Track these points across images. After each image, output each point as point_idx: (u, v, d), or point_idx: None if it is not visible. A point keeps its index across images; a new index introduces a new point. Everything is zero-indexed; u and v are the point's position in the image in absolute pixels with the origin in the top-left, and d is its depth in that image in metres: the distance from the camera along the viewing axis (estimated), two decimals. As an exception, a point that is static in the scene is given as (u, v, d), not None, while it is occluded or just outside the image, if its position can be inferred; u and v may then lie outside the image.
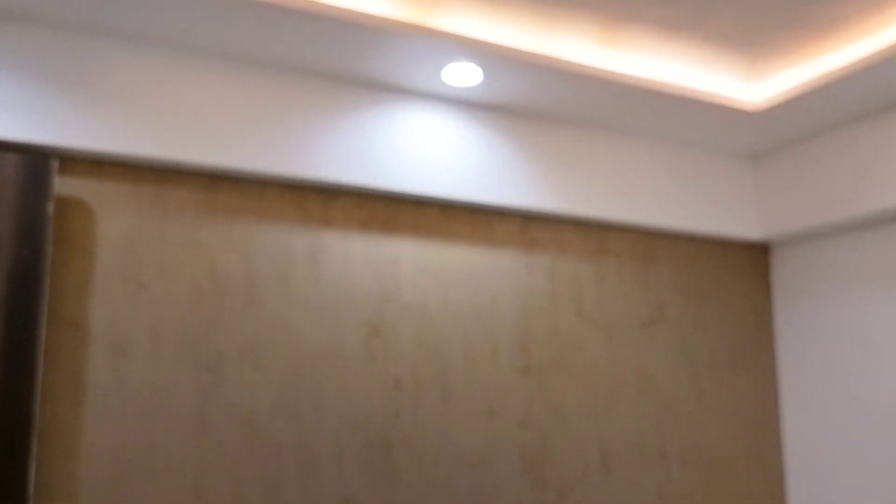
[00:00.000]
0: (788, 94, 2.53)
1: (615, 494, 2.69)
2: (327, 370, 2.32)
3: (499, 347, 2.60)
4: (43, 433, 1.98)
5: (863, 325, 2.78)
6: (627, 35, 2.32)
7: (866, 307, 2.78)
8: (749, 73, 2.56)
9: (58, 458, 1.98)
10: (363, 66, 2.31)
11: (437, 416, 2.46)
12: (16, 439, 1.87)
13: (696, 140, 2.92)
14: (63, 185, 2.09)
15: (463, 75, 2.35)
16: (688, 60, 2.46)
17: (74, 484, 1.99)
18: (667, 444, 2.82)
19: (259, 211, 2.31)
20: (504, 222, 2.68)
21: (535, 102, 2.57)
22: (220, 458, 2.15)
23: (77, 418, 2.02)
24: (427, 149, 2.49)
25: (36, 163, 1.99)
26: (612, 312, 2.81)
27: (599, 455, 2.69)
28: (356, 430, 2.33)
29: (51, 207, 1.99)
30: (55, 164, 2.01)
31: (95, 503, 1.99)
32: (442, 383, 2.49)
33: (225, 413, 2.17)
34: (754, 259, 3.17)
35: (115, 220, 2.13)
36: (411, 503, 2.37)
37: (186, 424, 2.12)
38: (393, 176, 2.42)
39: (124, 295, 2.11)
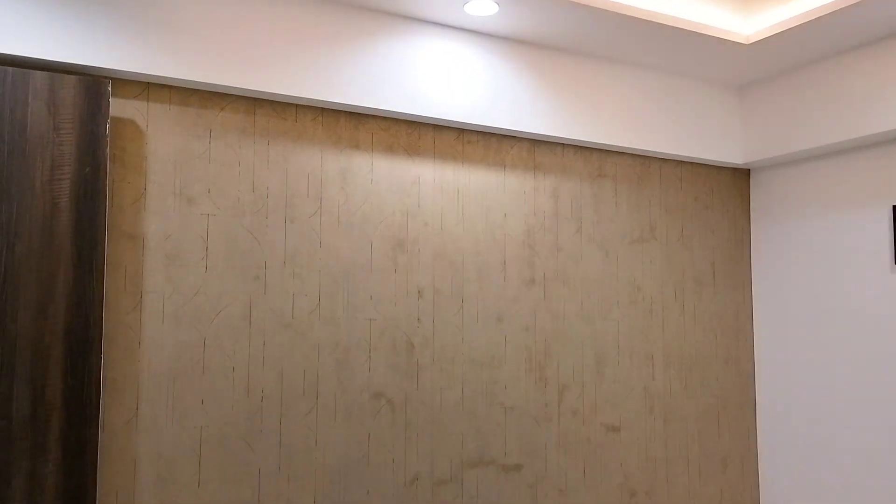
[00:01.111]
0: (778, 27, 2.75)
1: (607, 391, 3.02)
2: (357, 280, 2.56)
3: (508, 261, 2.85)
4: (108, 334, 2.19)
5: (831, 244, 3.10)
6: (636, -29, 2.50)
7: (834, 228, 3.09)
8: (742, 7, 2.76)
9: (122, 356, 2.21)
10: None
11: (454, 322, 2.73)
12: (87, 339, 2.08)
13: (689, 71, 3.14)
14: (116, 106, 2.24)
15: (481, 6, 2.52)
16: (688, -4, 2.65)
17: (137, 378, 2.22)
18: (653, 348, 3.14)
19: (295, 133, 2.49)
20: (514, 146, 2.89)
21: (545, 34, 2.75)
22: (265, 355, 2.40)
23: (137, 320, 2.23)
24: (446, 77, 2.67)
25: (92, 85, 2.14)
26: (607, 230, 3.08)
27: (594, 357, 3.00)
28: (383, 333, 2.59)
29: (107, 127, 2.15)
30: (109, 87, 2.16)
31: (156, 396, 2.24)
32: (458, 292, 2.75)
33: (269, 317, 2.41)
34: (736, 182, 3.45)
35: (163, 140, 2.30)
36: (431, 397, 2.66)
37: (235, 326, 2.36)
38: (415, 102, 2.61)
39: (175, 209, 2.30)
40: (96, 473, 2.06)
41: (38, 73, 2.07)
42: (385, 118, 2.64)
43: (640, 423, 3.08)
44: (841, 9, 2.54)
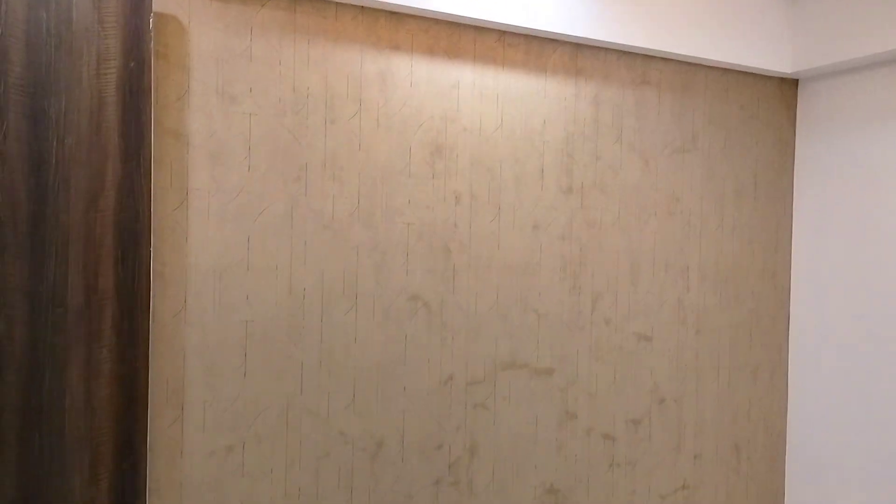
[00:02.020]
0: (839, -74, 2.61)
1: (641, 301, 3.04)
2: (396, 184, 2.58)
3: (546, 168, 2.84)
4: (156, 229, 2.25)
5: (878, 160, 3.02)
6: None
7: (884, 143, 3.00)
8: None
9: (170, 251, 2.27)
10: None
11: (490, 228, 2.75)
12: (136, 232, 2.15)
13: (741, -27, 3.01)
14: (158, 1, 2.23)
15: None
16: None
17: (185, 273, 2.29)
18: (689, 259, 3.14)
19: (335, 33, 2.46)
20: (556, 50, 2.83)
21: (593, -70, 2.64)
22: (306, 256, 2.45)
23: (184, 217, 2.29)
24: (489, -25, 2.60)
25: (134, -21, 2.13)
26: (648, 139, 3.04)
27: (629, 267, 3.02)
28: (421, 237, 2.63)
29: (150, 21, 2.15)
30: (151, -19, 2.15)
31: (203, 290, 2.31)
32: (495, 199, 2.75)
33: (310, 218, 2.45)
34: (783, 92, 3.36)
35: (205, 37, 2.30)
36: (466, 301, 2.71)
37: (278, 226, 2.41)
38: (456, 1, 2.55)
39: (218, 108, 2.32)
40: (148, 361, 2.16)
41: (81, -36, 2.06)
42: (425, 19, 2.60)
43: (672, 334, 3.11)
44: None
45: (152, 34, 2.15)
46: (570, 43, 2.85)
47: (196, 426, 2.31)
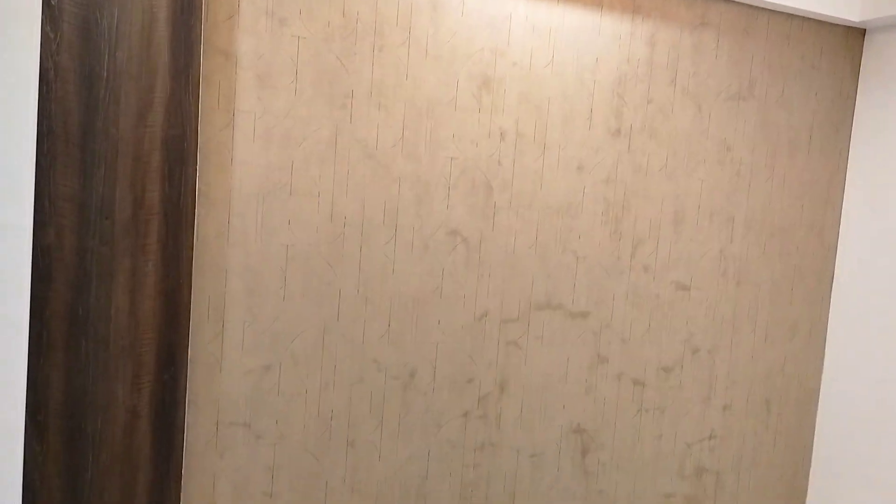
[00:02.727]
0: None
1: (682, 250, 3.00)
2: (441, 116, 2.55)
3: (594, 108, 2.78)
4: (202, 148, 2.27)
5: (944, 113, 2.89)
6: None
7: (952, 95, 2.87)
8: None
9: (215, 171, 2.29)
10: None
11: (534, 167, 2.72)
12: (183, 150, 2.16)
13: (815, -89, 2.85)
14: (211, -85, 2.20)
15: None
16: None
17: (229, 194, 2.31)
18: (735, 210, 3.08)
19: (388, -44, 2.41)
20: (613, -14, 2.74)
21: None
22: (349, 183, 2.45)
23: (230, 138, 2.30)
24: None
25: None
26: (703, 84, 2.94)
27: (673, 215, 2.97)
28: (464, 172, 2.61)
29: (203, -63, 2.12)
30: None
31: (245, 212, 2.34)
32: (540, 137, 2.71)
33: (354, 146, 2.44)
34: (848, 42, 3.21)
35: (257, -45, 2.26)
36: (505, 239, 2.70)
37: (321, 152, 2.41)
38: (514, -71, 2.47)
39: (268, 29, 2.30)
40: (191, 278, 2.21)
41: None
42: (481, -54, 2.52)
43: (711, 284, 3.07)
44: None
45: (204, -51, 2.12)
46: (629, -22, 2.75)
47: (235, 344, 2.37)
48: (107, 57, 2.05)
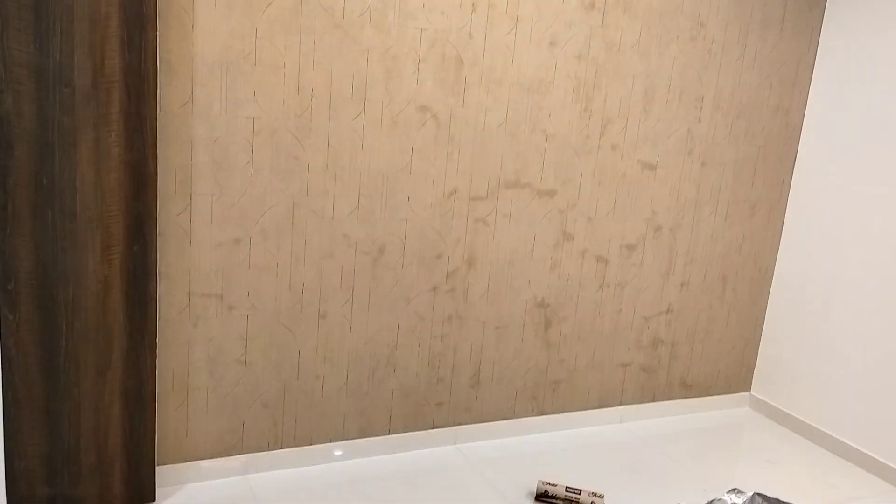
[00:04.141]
0: None
1: (650, 129, 3.02)
2: (411, -16, 2.46)
3: (569, -19, 2.70)
4: (161, 14, 2.17)
5: (918, -8, 2.87)
6: None
7: (928, -26, 2.84)
8: None
9: (176, 38, 2.21)
10: None
11: (505, 41, 2.67)
12: (142, 13, 2.07)
13: None
14: None
15: None
16: None
17: (191, 62, 2.24)
18: (704, 90, 3.08)
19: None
20: None
21: None
22: (315, 55, 2.39)
23: (189, 4, 2.20)
24: None
25: None
26: (680, -43, 2.87)
27: (643, 93, 2.96)
28: (433, 45, 2.55)
29: None
30: None
31: (209, 82, 2.27)
32: (513, 10, 2.65)
33: (320, 14, 2.36)
34: (831, -84, 3.12)
35: None
36: (475, 115, 2.69)
37: (286, 20, 2.33)
38: None
39: None
40: (156, 149, 2.18)
41: None
42: None
43: (676, 164, 3.12)
44: None
45: None
46: None
47: (204, 218, 2.37)
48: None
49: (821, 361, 3.27)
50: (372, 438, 2.82)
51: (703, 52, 3.03)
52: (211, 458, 2.57)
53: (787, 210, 3.42)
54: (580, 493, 2.61)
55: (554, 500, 2.62)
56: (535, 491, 2.68)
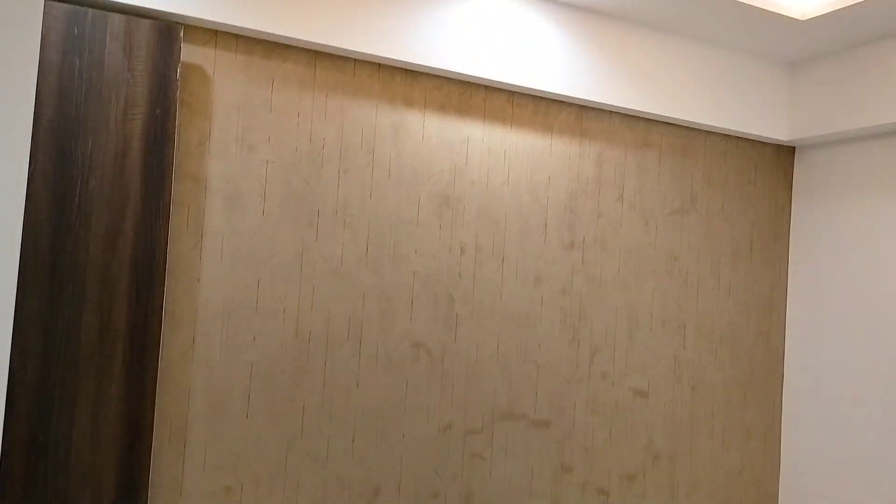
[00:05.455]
0: (833, 5, 2.74)
1: (637, 356, 3.10)
2: (404, 233, 2.65)
3: (549, 223, 2.92)
4: (170, 269, 2.31)
5: (871, 227, 3.12)
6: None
7: (877, 211, 3.10)
8: (801, -15, 2.76)
9: (182, 291, 2.33)
10: (452, -43, 2.51)
11: (493, 279, 2.82)
12: (152, 272, 2.21)
13: (740, 45, 3.15)
14: (186, 52, 2.33)
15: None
16: (747, -31, 2.66)
17: (195, 313, 2.34)
18: (686, 317, 3.21)
19: (352, 87, 2.57)
20: (562, 111, 2.94)
21: (602, 2, 2.77)
22: (314, 299, 2.51)
23: (197, 258, 2.35)
24: (500, 40, 2.72)
25: (166, 30, 2.23)
26: (648, 199, 3.13)
27: (627, 322, 3.08)
28: (426, 285, 2.69)
29: (178, 71, 2.24)
30: (181, 32, 2.25)
31: (211, 330, 2.36)
32: (499, 251, 2.83)
33: (319, 263, 2.52)
34: (780, 159, 3.47)
35: (229, 87, 2.39)
36: (467, 349, 2.76)
37: (288, 270, 2.47)
38: (468, 62, 2.67)
39: (237, 155, 2.40)
40: (155, 400, 2.20)
41: (116, 15, 2.16)
42: (438, 77, 2.71)
43: (667, 390, 3.16)
44: (901, -11, 2.54)
45: (179, 83, 2.24)
46: (576, 105, 2.96)
47: (197, 465, 2.34)
48: (79, 184, 2.11)
49: None
50: None
51: (679, 283, 3.20)
52: None
53: (782, 433, 3.41)
54: None
55: None
56: None
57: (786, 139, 3.34)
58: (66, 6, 2.11)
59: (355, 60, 2.57)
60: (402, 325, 2.65)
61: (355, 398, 2.57)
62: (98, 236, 2.13)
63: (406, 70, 2.65)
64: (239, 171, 2.40)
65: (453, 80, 2.73)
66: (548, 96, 2.88)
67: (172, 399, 2.31)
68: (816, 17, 2.81)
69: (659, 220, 3.15)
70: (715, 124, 3.17)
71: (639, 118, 3.10)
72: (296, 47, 2.48)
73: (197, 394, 2.34)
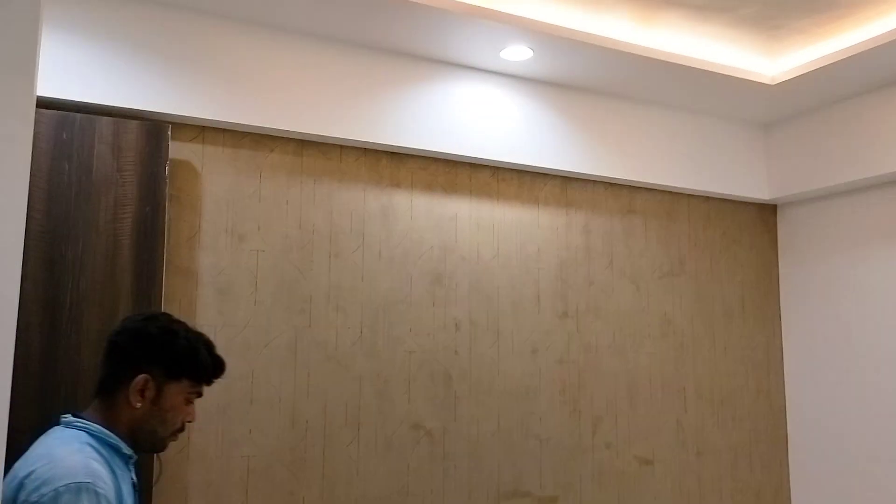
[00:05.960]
0: (802, 69, 2.84)
1: (640, 423, 3.06)
2: (397, 313, 2.65)
3: (541, 294, 2.93)
4: (164, 365, 2.28)
5: (858, 279, 3.15)
6: (662, 17, 2.61)
7: (862, 262, 3.14)
8: (768, 51, 2.87)
9: (176, 387, 2.29)
10: (429, 45, 2.58)
11: (490, 354, 2.80)
12: (144, 369, 2.17)
13: (716, 110, 3.24)
14: (174, 149, 2.36)
15: (516, 52, 2.64)
16: (714, 39, 2.76)
17: (189, 409, 2.30)
18: (684, 381, 3.19)
19: (339, 172, 2.61)
20: (547, 184, 2.99)
21: (577, 77, 2.86)
22: (309, 387, 2.48)
23: (190, 352, 2.32)
24: (483, 118, 2.78)
25: (153, 129, 2.27)
26: (638, 264, 3.15)
27: (627, 389, 3.05)
28: (422, 365, 2.67)
29: (167, 169, 2.27)
30: (169, 131, 2.29)
31: (206, 426, 2.31)
32: (493, 325, 2.82)
33: (314, 349, 2.50)
34: (763, 217, 3.52)
35: (217, 180, 2.42)
36: (468, 428, 2.72)
37: (282, 358, 2.45)
38: (452, 142, 2.72)
39: (227, 246, 2.41)
40: (151, 501, 2.14)
41: (104, 118, 2.20)
42: (424, 157, 2.75)
43: (673, 456, 3.11)
44: (862, 52, 2.64)
45: (168, 180, 2.26)
46: (560, 176, 3.01)
47: (196, 568, 2.25)
48: (70, 286, 2.10)
49: None
50: None
51: (675, 346, 3.19)
52: None
53: (791, 494, 3.35)
54: None
55: None
56: None
57: (767, 198, 3.40)
58: (55, 113, 2.14)
59: (341, 146, 2.62)
60: (400, 407, 2.62)
61: (356, 487, 2.51)
62: (90, 337, 2.11)
63: (392, 153, 2.70)
64: (230, 262, 2.41)
65: (439, 159, 2.78)
66: (531, 169, 2.93)
67: (170, 498, 2.24)
68: (785, 80, 2.91)
69: (650, 284, 3.17)
70: (697, 188, 3.23)
71: (622, 186, 3.16)
72: (282, 137, 2.53)
73: (194, 492, 2.28)
